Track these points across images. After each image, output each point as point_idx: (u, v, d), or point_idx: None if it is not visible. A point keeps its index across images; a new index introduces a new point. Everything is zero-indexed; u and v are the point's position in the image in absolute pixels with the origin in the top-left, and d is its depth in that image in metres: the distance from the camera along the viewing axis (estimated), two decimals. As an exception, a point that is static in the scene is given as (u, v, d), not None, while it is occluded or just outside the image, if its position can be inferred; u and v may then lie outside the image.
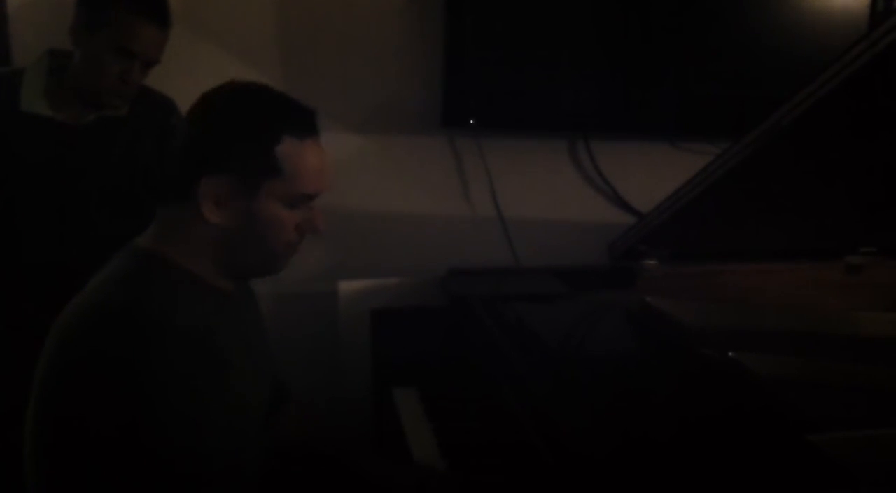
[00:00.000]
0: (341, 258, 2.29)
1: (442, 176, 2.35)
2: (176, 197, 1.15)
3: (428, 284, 2.13)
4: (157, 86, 1.87)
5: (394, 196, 2.33)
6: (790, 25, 2.30)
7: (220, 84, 1.17)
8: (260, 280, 1.29)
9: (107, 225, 1.75)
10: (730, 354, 1.35)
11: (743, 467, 1.00)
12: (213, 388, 1.09)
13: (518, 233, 2.37)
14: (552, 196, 2.41)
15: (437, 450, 1.45)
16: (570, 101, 2.26)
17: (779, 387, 1.27)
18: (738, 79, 2.30)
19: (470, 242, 2.35)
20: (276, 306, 2.25)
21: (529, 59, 2.21)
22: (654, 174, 2.23)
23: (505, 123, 2.27)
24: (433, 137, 2.31)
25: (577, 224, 2.40)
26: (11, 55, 2.00)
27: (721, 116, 2.25)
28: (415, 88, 2.25)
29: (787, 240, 1.80)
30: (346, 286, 2.17)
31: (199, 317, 1.11)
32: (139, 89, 1.77)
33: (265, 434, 1.33)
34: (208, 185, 1.11)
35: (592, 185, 2.45)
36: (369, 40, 2.21)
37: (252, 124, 1.13)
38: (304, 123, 1.16)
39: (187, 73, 1.98)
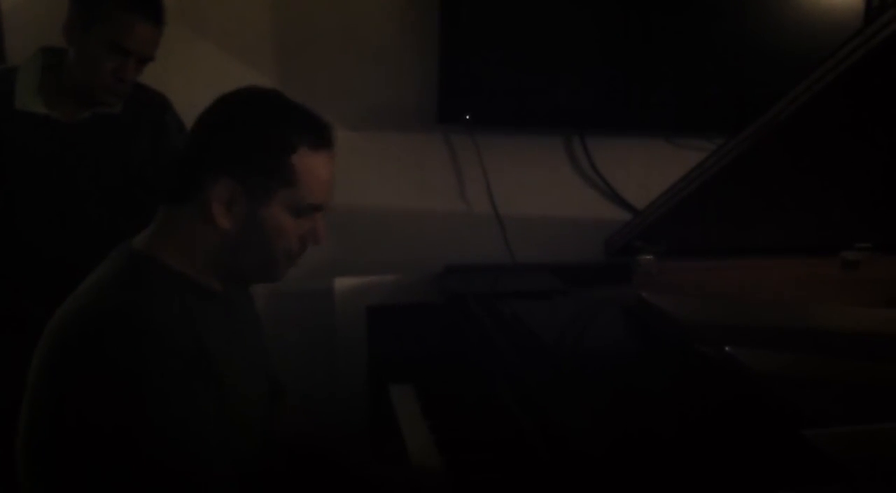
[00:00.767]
0: (337, 255, 2.29)
1: (438, 173, 2.35)
2: (180, 197, 1.15)
3: (424, 281, 2.13)
4: (154, 84, 1.87)
5: (390, 193, 2.33)
6: (787, 22, 2.30)
7: (237, 89, 1.18)
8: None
9: (103, 222, 1.75)
10: (726, 349, 1.35)
11: (738, 462, 1.00)
12: (207, 389, 1.09)
13: (514, 229, 2.37)
14: (548, 193, 2.41)
15: (434, 447, 1.45)
16: (567, 97, 2.26)
17: (774, 383, 1.26)
18: (735, 76, 2.30)
19: (466, 238, 2.35)
20: (272, 303, 2.25)
21: (525, 55, 2.21)
22: (650, 171, 2.24)
23: (501, 119, 2.27)
24: (429, 134, 2.31)
25: (573, 220, 2.40)
26: (5, 53, 2.00)
27: (717, 113, 2.25)
28: (411, 84, 2.25)
29: (782, 236, 1.80)
30: (342, 283, 2.16)
31: (192, 319, 1.11)
32: (134, 87, 1.76)
33: (263, 432, 1.33)
34: (222, 188, 1.11)
35: (589, 181, 2.45)
36: (365, 37, 2.21)
37: (268, 132, 1.14)
38: (320, 134, 1.17)
39: (184, 71, 1.99)
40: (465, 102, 2.21)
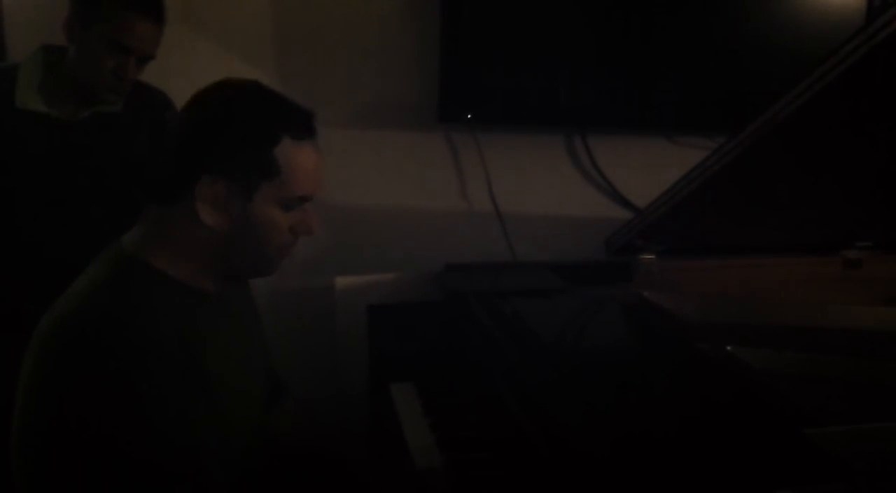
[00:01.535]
0: (338, 254, 2.29)
1: (439, 171, 2.35)
2: (167, 198, 1.13)
3: (425, 279, 2.13)
4: (154, 82, 1.86)
5: (391, 191, 2.32)
6: (788, 20, 2.30)
7: (214, 83, 1.16)
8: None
9: (103, 221, 1.74)
10: (727, 348, 1.35)
11: (739, 460, 1.00)
12: (197, 391, 1.08)
13: (515, 228, 2.37)
14: (549, 191, 2.41)
15: (435, 445, 1.45)
16: (568, 96, 2.26)
17: (775, 381, 1.27)
18: (736, 74, 2.30)
19: (467, 237, 2.35)
20: (272, 301, 2.26)
21: (526, 54, 2.21)
22: (651, 169, 2.23)
23: (502, 118, 2.27)
24: (430, 133, 2.31)
25: (574, 219, 2.40)
26: (6, 51, 2.00)
27: (718, 111, 2.25)
28: (411, 83, 2.25)
29: (784, 234, 1.80)
30: (343, 282, 2.16)
31: (181, 323, 1.09)
32: (134, 85, 1.76)
33: (263, 432, 1.33)
34: (205, 186, 1.10)
35: (590, 180, 2.45)
36: (366, 35, 2.21)
37: (250, 125, 1.12)
38: (302, 124, 1.15)
39: (185, 70, 1.98)
40: (466, 101, 2.20)
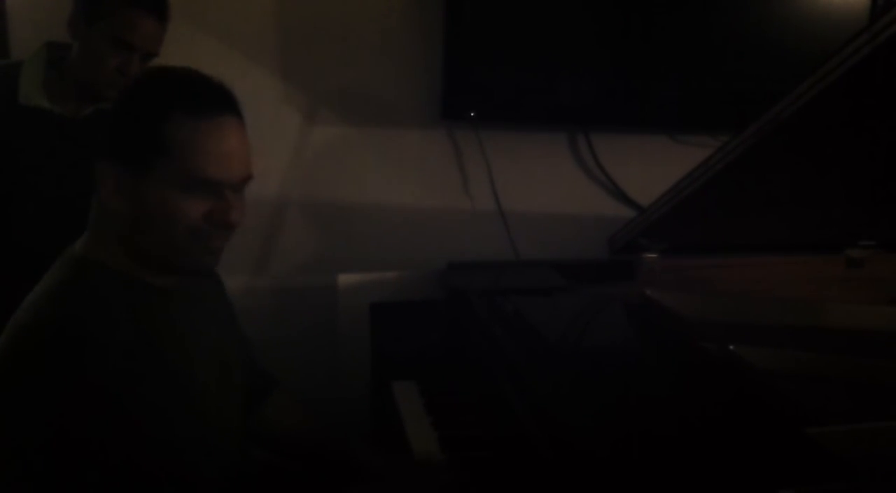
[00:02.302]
0: (340, 252, 2.29)
1: (442, 169, 2.35)
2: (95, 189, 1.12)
3: (427, 277, 2.13)
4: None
5: (393, 189, 2.32)
6: (790, 18, 2.29)
7: None
8: (257, 273, 1.29)
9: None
10: (730, 347, 1.35)
11: (742, 460, 1.00)
12: (165, 384, 1.08)
13: (517, 226, 2.37)
14: (552, 189, 2.41)
15: (437, 443, 1.45)
16: (571, 94, 2.26)
17: (778, 380, 1.27)
18: (739, 72, 2.30)
19: (469, 235, 2.35)
20: (274, 299, 2.26)
21: (529, 51, 2.20)
22: (654, 168, 2.23)
23: (505, 115, 2.27)
24: (433, 130, 2.31)
25: (576, 218, 2.40)
26: (10, 48, 2.00)
27: (721, 110, 2.24)
28: (415, 80, 2.25)
29: (787, 233, 1.80)
30: (346, 280, 2.16)
31: (136, 317, 1.09)
32: (137, 82, 1.76)
33: (243, 425, 1.32)
34: (103, 169, 1.08)
35: (592, 178, 2.44)
36: (369, 32, 2.21)
37: (137, 103, 1.10)
38: (201, 100, 1.08)
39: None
40: (469, 99, 2.20)
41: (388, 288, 2.14)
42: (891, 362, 1.35)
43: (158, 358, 1.09)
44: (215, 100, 1.10)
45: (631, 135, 2.39)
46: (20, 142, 1.71)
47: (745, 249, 1.83)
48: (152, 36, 1.69)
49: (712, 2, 2.27)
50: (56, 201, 1.75)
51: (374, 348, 1.96)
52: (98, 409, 1.01)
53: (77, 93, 1.73)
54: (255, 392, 1.43)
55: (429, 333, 1.90)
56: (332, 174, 2.27)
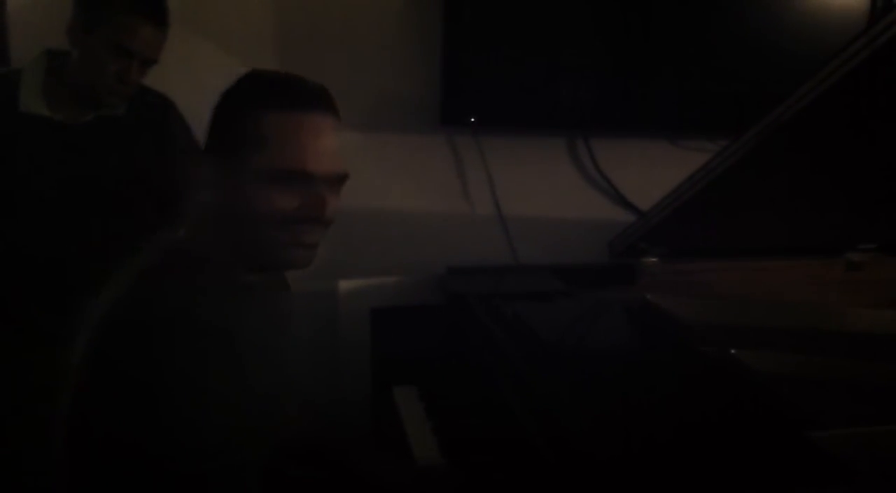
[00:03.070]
0: (341, 257, 2.29)
1: (441, 174, 2.35)
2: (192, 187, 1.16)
3: (427, 282, 2.13)
4: (155, 85, 1.86)
5: (393, 194, 2.32)
6: (790, 22, 2.30)
7: None
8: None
9: (104, 224, 1.75)
10: (730, 351, 1.35)
11: (742, 463, 1.00)
12: (226, 387, 1.09)
13: (517, 231, 2.37)
14: (552, 194, 2.41)
15: (437, 448, 1.45)
16: (570, 98, 2.26)
17: (778, 384, 1.26)
18: (738, 76, 2.30)
19: (469, 240, 2.35)
20: (275, 304, 2.25)
21: (529, 56, 2.21)
22: (653, 172, 2.23)
23: (504, 120, 2.27)
24: (432, 135, 2.31)
25: (576, 222, 2.40)
26: (9, 55, 2.00)
27: (720, 114, 2.25)
28: (414, 85, 2.25)
29: (787, 237, 1.80)
30: (346, 285, 2.16)
31: (220, 314, 1.10)
32: (137, 89, 1.76)
33: (273, 431, 1.33)
34: (201, 163, 1.13)
35: (592, 182, 2.45)
36: (368, 38, 2.21)
37: (234, 99, 1.14)
38: (289, 95, 1.13)
39: (185, 72, 1.98)
40: (469, 104, 2.21)
41: (389, 293, 2.14)
42: (891, 365, 1.35)
43: (232, 350, 1.10)
44: (310, 96, 1.15)
45: (630, 139, 2.39)
46: (20, 148, 1.71)
47: (746, 252, 1.83)
48: (152, 42, 1.69)
49: (712, 5, 2.27)
50: (56, 206, 1.75)
51: (375, 352, 1.96)
52: (165, 393, 1.02)
53: (77, 100, 1.73)
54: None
55: (429, 337, 1.90)
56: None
